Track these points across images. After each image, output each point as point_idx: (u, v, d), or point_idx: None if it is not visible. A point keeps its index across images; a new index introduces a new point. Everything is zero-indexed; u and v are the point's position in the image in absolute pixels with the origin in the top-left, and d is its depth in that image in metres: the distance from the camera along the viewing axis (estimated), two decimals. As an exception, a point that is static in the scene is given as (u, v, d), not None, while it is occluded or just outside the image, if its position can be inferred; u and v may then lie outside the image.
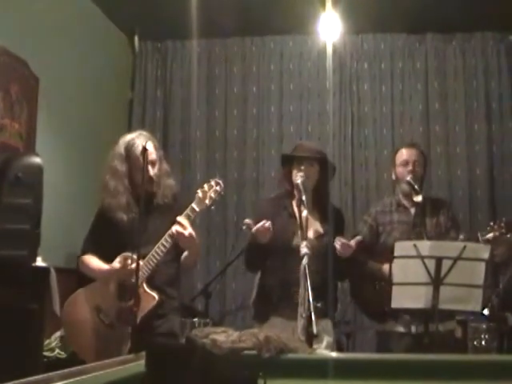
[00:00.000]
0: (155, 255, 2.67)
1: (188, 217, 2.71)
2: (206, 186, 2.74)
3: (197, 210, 2.72)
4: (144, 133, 2.94)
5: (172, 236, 2.68)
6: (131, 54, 5.24)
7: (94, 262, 2.81)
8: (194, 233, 2.71)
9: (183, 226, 2.68)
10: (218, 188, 2.74)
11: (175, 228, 2.68)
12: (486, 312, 2.96)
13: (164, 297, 2.72)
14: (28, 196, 2.75)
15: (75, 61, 4.22)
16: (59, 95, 4.04)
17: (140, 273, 2.59)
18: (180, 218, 2.69)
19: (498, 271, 3.56)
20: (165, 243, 2.68)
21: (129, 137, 2.88)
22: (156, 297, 2.66)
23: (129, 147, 2.82)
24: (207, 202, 2.72)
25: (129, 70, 5.24)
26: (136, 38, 5.18)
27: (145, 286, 2.65)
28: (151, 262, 2.67)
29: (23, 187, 2.74)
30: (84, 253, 2.88)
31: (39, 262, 2.98)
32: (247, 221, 2.87)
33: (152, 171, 2.80)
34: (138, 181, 2.78)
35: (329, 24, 4.58)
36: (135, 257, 2.53)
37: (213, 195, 2.73)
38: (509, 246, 3.03)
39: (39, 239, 2.84)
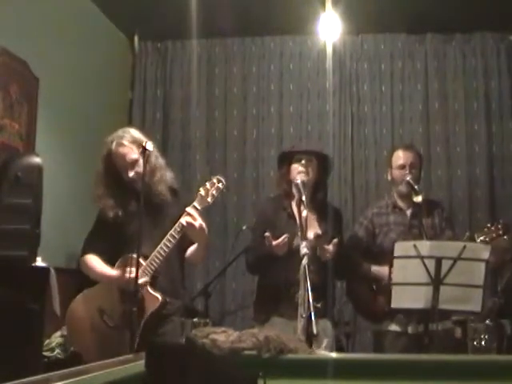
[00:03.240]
0: (158, 256, 2.63)
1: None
2: (207, 183, 2.69)
3: (198, 208, 2.67)
4: (127, 129, 2.87)
5: (182, 228, 2.62)
6: (131, 54, 5.24)
7: (96, 264, 2.78)
8: (204, 224, 2.67)
9: (193, 216, 2.63)
10: (220, 185, 2.68)
11: (185, 219, 2.62)
12: (488, 322, 2.97)
13: (168, 297, 2.69)
14: (28, 196, 2.75)
15: (75, 61, 4.21)
16: (59, 95, 4.04)
17: (143, 274, 2.58)
18: (189, 209, 2.64)
19: (496, 274, 3.56)
20: (171, 239, 2.63)
21: (110, 137, 2.83)
22: (160, 298, 2.63)
23: (108, 147, 2.79)
24: (209, 199, 2.66)
25: (129, 70, 5.24)
26: (136, 39, 5.19)
27: (148, 287, 2.63)
28: (154, 263, 2.63)
29: (23, 187, 2.74)
30: (85, 253, 2.85)
31: (39, 262, 2.99)
32: (267, 234, 2.84)
33: (131, 173, 2.74)
34: (125, 177, 2.76)
35: (329, 24, 4.58)
36: (135, 257, 2.51)
37: (215, 193, 2.67)
38: (502, 251, 3.03)
39: (39, 239, 2.84)
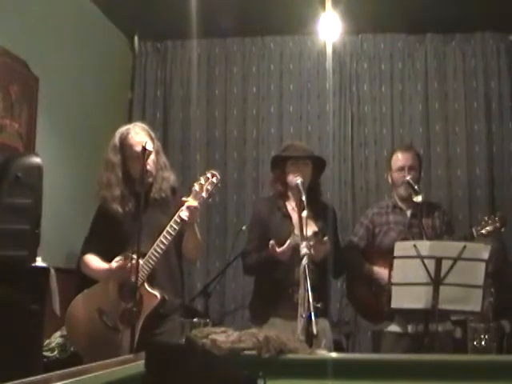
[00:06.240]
0: (155, 253, 2.62)
1: None
2: (202, 178, 2.67)
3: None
4: (139, 124, 2.90)
5: (178, 223, 2.61)
6: (131, 54, 5.24)
7: (94, 262, 2.78)
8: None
9: (191, 209, 2.62)
10: (214, 180, 2.66)
11: (185, 214, 2.60)
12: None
13: (167, 295, 2.68)
14: (28, 196, 2.75)
15: (75, 61, 4.22)
16: (59, 95, 4.04)
17: (140, 272, 2.56)
18: (189, 203, 2.62)
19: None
20: (167, 236, 2.62)
21: (124, 128, 2.86)
22: (158, 295, 2.62)
23: (122, 137, 2.80)
24: (204, 194, 2.64)
25: (129, 70, 5.24)
26: (136, 38, 5.18)
27: (146, 285, 2.62)
28: (151, 261, 2.62)
29: (23, 187, 2.74)
30: (84, 253, 2.84)
31: (39, 262, 2.98)
32: (272, 242, 2.83)
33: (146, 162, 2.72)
34: (133, 172, 2.77)
35: (329, 24, 4.57)
36: (135, 256, 2.50)
37: (209, 187, 2.65)
38: (497, 249, 3.04)
39: (39, 239, 2.83)
